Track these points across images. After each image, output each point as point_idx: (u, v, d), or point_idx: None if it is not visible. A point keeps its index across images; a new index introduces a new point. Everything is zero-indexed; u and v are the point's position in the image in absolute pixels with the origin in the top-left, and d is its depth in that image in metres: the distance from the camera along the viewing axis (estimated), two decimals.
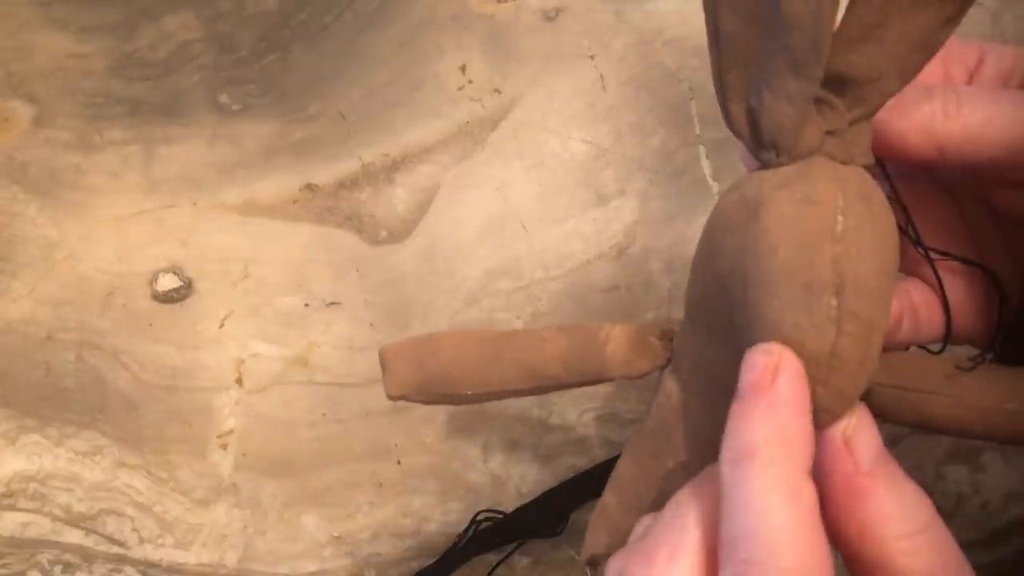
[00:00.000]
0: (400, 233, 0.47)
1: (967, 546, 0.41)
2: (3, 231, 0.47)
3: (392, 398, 0.31)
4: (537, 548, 0.42)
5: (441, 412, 0.45)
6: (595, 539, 0.29)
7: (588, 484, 0.43)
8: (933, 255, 0.27)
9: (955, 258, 0.27)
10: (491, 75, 0.49)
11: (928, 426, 0.25)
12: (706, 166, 0.47)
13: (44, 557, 0.42)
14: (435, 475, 0.44)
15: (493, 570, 0.42)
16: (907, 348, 0.29)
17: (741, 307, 0.22)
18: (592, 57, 0.49)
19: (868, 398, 0.25)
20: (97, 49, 0.48)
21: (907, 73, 0.23)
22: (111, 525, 0.43)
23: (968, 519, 0.41)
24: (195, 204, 0.48)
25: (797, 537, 0.18)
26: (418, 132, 0.48)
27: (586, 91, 0.48)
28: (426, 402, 0.31)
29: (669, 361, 0.27)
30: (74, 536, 0.43)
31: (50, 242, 0.47)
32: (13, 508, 0.43)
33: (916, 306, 0.28)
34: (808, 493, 0.19)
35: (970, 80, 0.26)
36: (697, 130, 0.48)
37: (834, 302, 0.20)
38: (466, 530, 0.42)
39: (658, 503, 0.27)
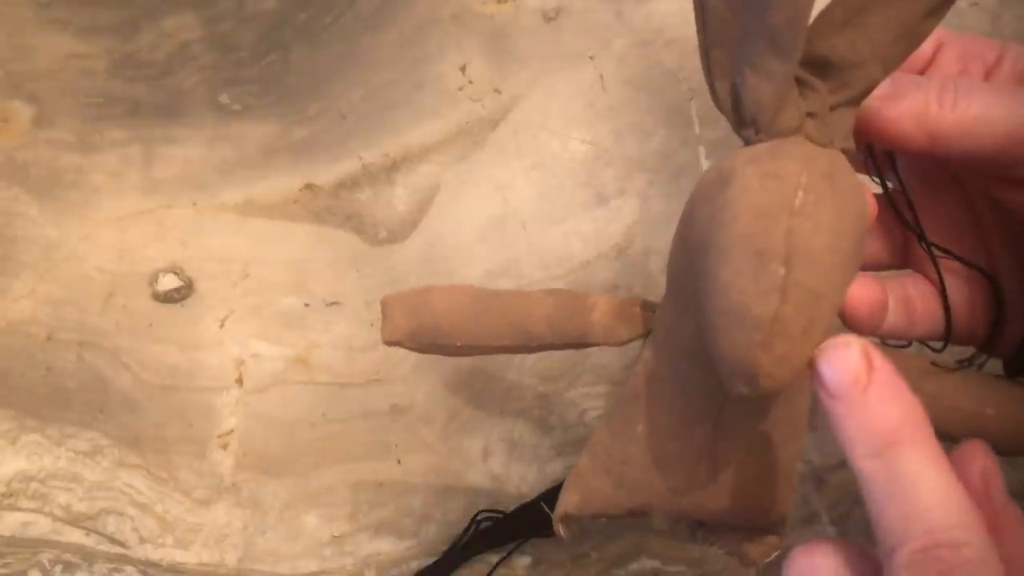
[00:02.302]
0: (400, 233, 0.47)
1: None
2: (4, 231, 0.47)
3: (387, 343, 0.32)
4: (537, 548, 0.42)
5: (441, 412, 0.45)
6: (568, 499, 0.30)
7: None
8: (935, 252, 0.27)
9: (956, 258, 0.27)
10: (491, 75, 0.49)
11: None
12: (706, 166, 0.47)
13: (45, 556, 0.42)
14: (435, 475, 0.44)
15: (493, 570, 0.42)
16: (907, 344, 0.29)
17: (702, 274, 0.22)
18: (592, 57, 0.49)
19: None
20: (97, 49, 0.48)
21: (890, 61, 0.23)
22: (111, 525, 0.43)
23: None
24: (195, 204, 0.48)
25: (960, 501, 0.19)
26: (418, 132, 0.48)
27: (586, 91, 0.48)
28: (419, 350, 0.32)
29: (649, 332, 0.28)
30: (74, 536, 0.43)
31: (51, 242, 0.47)
32: (14, 508, 0.43)
33: (911, 299, 0.28)
34: (946, 459, 0.20)
35: (987, 78, 0.26)
36: (697, 130, 0.48)
37: (781, 271, 0.20)
38: (466, 530, 0.42)
39: (626, 465, 0.28)
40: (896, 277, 0.29)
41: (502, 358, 0.45)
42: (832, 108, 0.24)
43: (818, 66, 0.23)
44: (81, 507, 0.43)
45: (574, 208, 0.47)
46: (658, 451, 0.27)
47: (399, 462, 0.44)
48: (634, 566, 0.42)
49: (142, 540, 0.43)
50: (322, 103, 0.49)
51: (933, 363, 0.26)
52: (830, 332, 0.22)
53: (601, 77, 0.48)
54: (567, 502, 0.30)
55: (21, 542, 0.42)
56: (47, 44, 0.49)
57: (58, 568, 0.42)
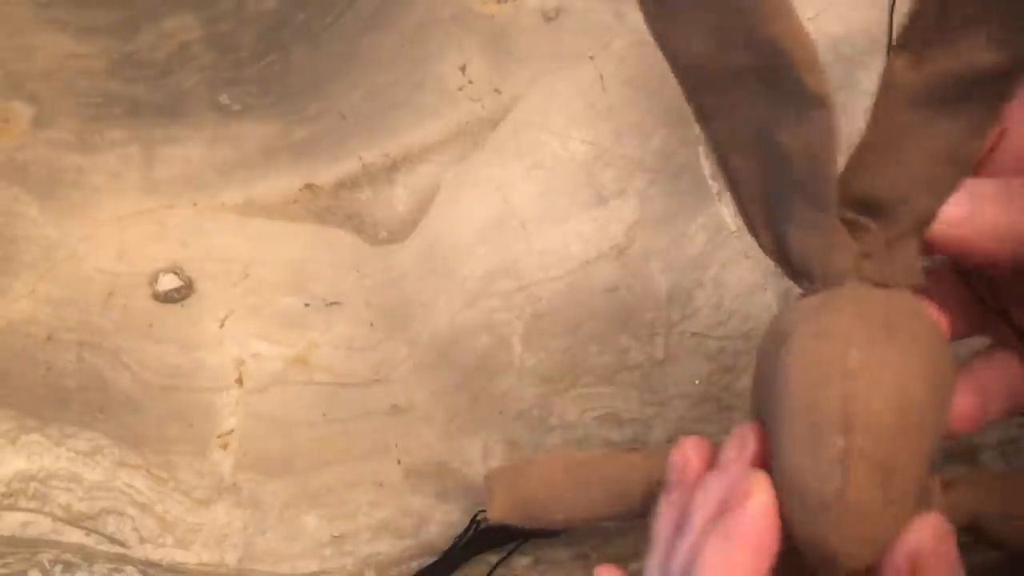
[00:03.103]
0: (400, 233, 0.47)
1: (967, 546, 0.41)
2: (4, 231, 0.47)
3: (494, 522, 0.32)
4: (537, 548, 0.42)
5: (441, 412, 0.45)
6: None
7: None
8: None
9: None
10: (491, 75, 0.49)
11: None
12: (706, 166, 0.47)
13: (45, 557, 0.42)
14: (435, 475, 0.44)
15: (493, 570, 0.42)
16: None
17: (769, 439, 0.21)
18: (592, 57, 0.49)
19: (972, 524, 0.24)
20: (97, 50, 0.48)
21: (939, 188, 0.21)
22: (112, 525, 0.43)
23: None
24: (195, 204, 0.48)
25: None
26: (418, 132, 0.48)
27: (586, 91, 0.48)
28: (525, 525, 0.32)
29: None
30: (75, 536, 0.43)
31: (51, 242, 0.47)
32: (14, 508, 0.43)
33: (1014, 385, 0.25)
34: None
35: None
36: (697, 130, 0.47)
37: (840, 442, 0.18)
38: (466, 530, 0.42)
39: None
40: (987, 363, 0.25)
41: (500, 356, 0.45)
42: (889, 244, 0.21)
43: (863, 205, 0.21)
44: (81, 507, 0.43)
45: (574, 208, 0.47)
46: None
47: (399, 462, 0.44)
48: (634, 566, 0.42)
49: (142, 540, 0.43)
50: (322, 103, 0.49)
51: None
52: (916, 498, 0.20)
53: (601, 77, 0.48)
54: None
55: (21, 542, 0.42)
56: (47, 44, 0.48)
57: (58, 568, 0.42)
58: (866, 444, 0.18)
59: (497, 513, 0.32)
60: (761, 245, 0.23)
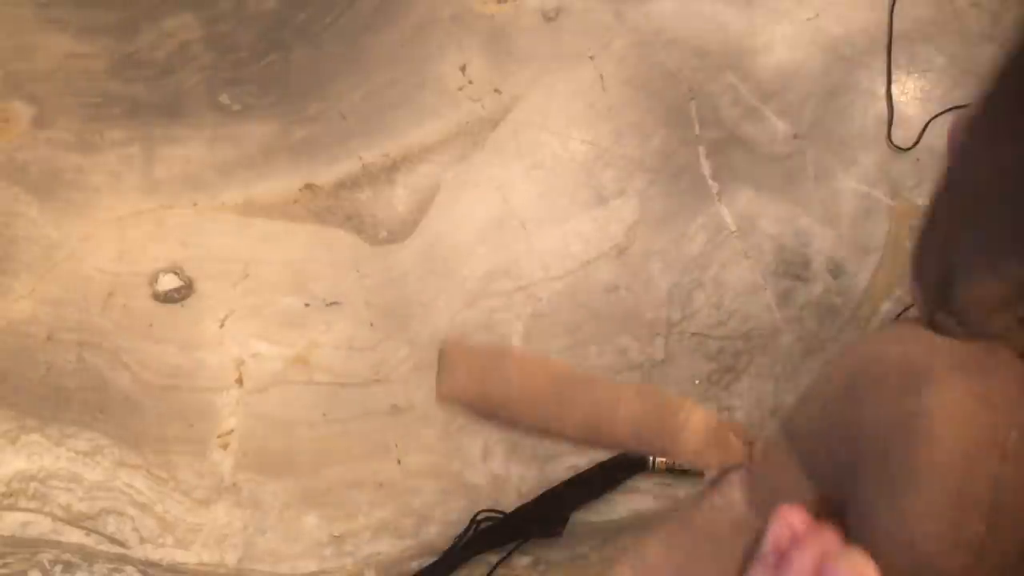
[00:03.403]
0: (400, 233, 0.47)
1: None
2: (4, 231, 0.47)
3: (442, 400, 0.28)
4: (537, 548, 0.42)
5: (441, 412, 0.45)
6: None
7: (588, 485, 0.43)
8: None
9: None
10: (491, 75, 0.49)
11: None
12: (705, 166, 0.47)
13: (45, 556, 0.42)
14: (435, 475, 0.44)
15: (493, 570, 0.42)
16: None
17: (874, 479, 0.20)
18: (592, 57, 0.49)
19: None
20: (97, 50, 0.48)
21: None
22: (112, 525, 0.43)
23: None
24: (195, 204, 0.48)
25: None
26: (418, 132, 0.48)
27: (586, 91, 0.48)
28: (474, 415, 0.29)
29: (741, 466, 0.26)
30: (75, 536, 0.43)
31: (51, 242, 0.47)
32: (14, 508, 0.43)
33: None
34: None
35: None
36: (697, 130, 0.48)
37: (981, 528, 0.18)
38: (466, 530, 0.42)
39: None
40: None
41: None
42: None
43: None
44: (81, 507, 0.43)
45: (574, 208, 0.47)
46: None
47: (399, 462, 0.44)
48: None
49: (142, 540, 0.43)
50: (322, 103, 0.49)
51: None
52: None
53: (601, 77, 0.48)
54: None
55: (21, 542, 0.42)
56: (47, 44, 0.48)
57: (58, 568, 0.42)
58: (1002, 535, 0.18)
59: (450, 391, 0.27)
60: (919, 266, 0.21)
